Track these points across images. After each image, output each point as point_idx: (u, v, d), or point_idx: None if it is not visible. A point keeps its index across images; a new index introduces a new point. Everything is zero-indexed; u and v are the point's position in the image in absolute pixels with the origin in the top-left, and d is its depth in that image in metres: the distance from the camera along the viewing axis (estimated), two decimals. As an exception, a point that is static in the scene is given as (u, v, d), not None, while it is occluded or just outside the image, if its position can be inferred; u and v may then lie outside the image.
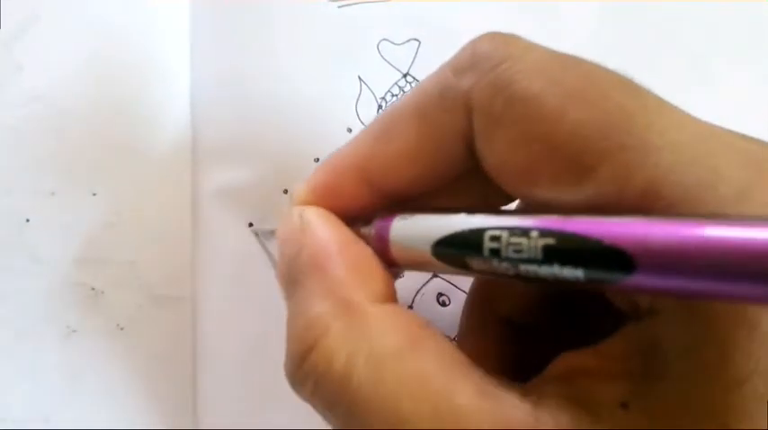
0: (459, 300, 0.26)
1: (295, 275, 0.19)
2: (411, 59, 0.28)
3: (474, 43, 0.17)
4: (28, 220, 0.27)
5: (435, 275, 0.27)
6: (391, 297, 0.19)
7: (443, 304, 0.27)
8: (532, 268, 0.15)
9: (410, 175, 0.19)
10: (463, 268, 0.17)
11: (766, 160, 0.15)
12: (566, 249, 0.14)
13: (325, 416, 0.17)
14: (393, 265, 0.19)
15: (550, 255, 0.14)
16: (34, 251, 0.27)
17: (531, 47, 0.17)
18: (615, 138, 0.15)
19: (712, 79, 0.28)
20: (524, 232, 0.15)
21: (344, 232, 0.19)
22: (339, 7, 0.28)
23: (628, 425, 0.14)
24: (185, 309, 0.27)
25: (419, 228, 0.18)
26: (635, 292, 0.15)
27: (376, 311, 0.17)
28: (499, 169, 0.17)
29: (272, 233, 0.27)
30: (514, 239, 0.15)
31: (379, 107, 0.28)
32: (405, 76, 0.28)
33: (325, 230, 0.19)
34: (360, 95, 0.28)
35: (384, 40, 0.28)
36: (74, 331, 0.27)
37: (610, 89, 0.16)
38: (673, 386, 0.14)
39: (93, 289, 0.27)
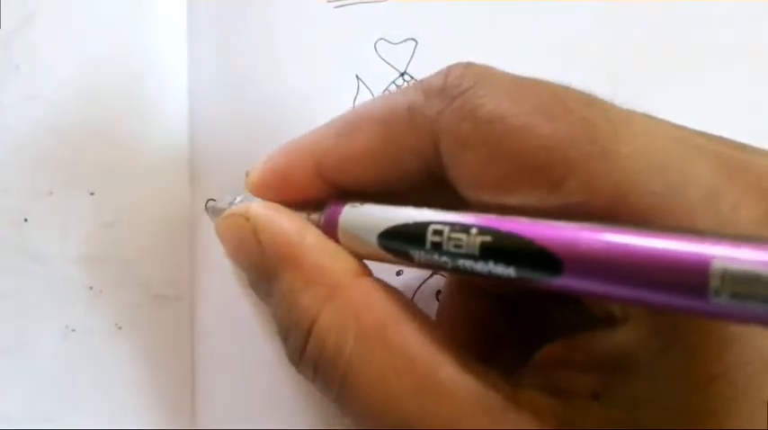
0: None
1: (265, 275, 0.19)
2: (408, 59, 0.28)
3: (447, 69, 0.18)
4: (26, 220, 0.27)
5: (435, 273, 0.27)
6: (365, 271, 0.19)
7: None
8: (469, 263, 0.15)
9: (367, 176, 0.20)
10: (407, 260, 0.17)
11: (736, 163, 0.15)
12: (500, 247, 0.15)
13: (328, 400, 0.18)
14: None
15: (486, 252, 0.15)
16: (32, 250, 0.27)
17: (499, 74, 0.17)
18: (580, 149, 0.15)
19: (710, 78, 0.28)
20: (465, 229, 0.16)
21: (296, 219, 0.20)
22: (335, 8, 0.28)
23: (599, 414, 0.15)
24: (184, 309, 0.27)
25: (367, 218, 0.19)
26: (562, 292, 0.16)
27: (358, 287, 0.18)
28: (470, 189, 0.17)
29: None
30: (455, 235, 0.16)
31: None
32: (402, 74, 0.28)
33: (278, 223, 0.19)
34: (357, 94, 0.28)
35: (381, 39, 0.28)
36: (72, 331, 0.27)
37: (572, 104, 0.16)
38: (642, 383, 0.15)
39: (91, 288, 0.27)
